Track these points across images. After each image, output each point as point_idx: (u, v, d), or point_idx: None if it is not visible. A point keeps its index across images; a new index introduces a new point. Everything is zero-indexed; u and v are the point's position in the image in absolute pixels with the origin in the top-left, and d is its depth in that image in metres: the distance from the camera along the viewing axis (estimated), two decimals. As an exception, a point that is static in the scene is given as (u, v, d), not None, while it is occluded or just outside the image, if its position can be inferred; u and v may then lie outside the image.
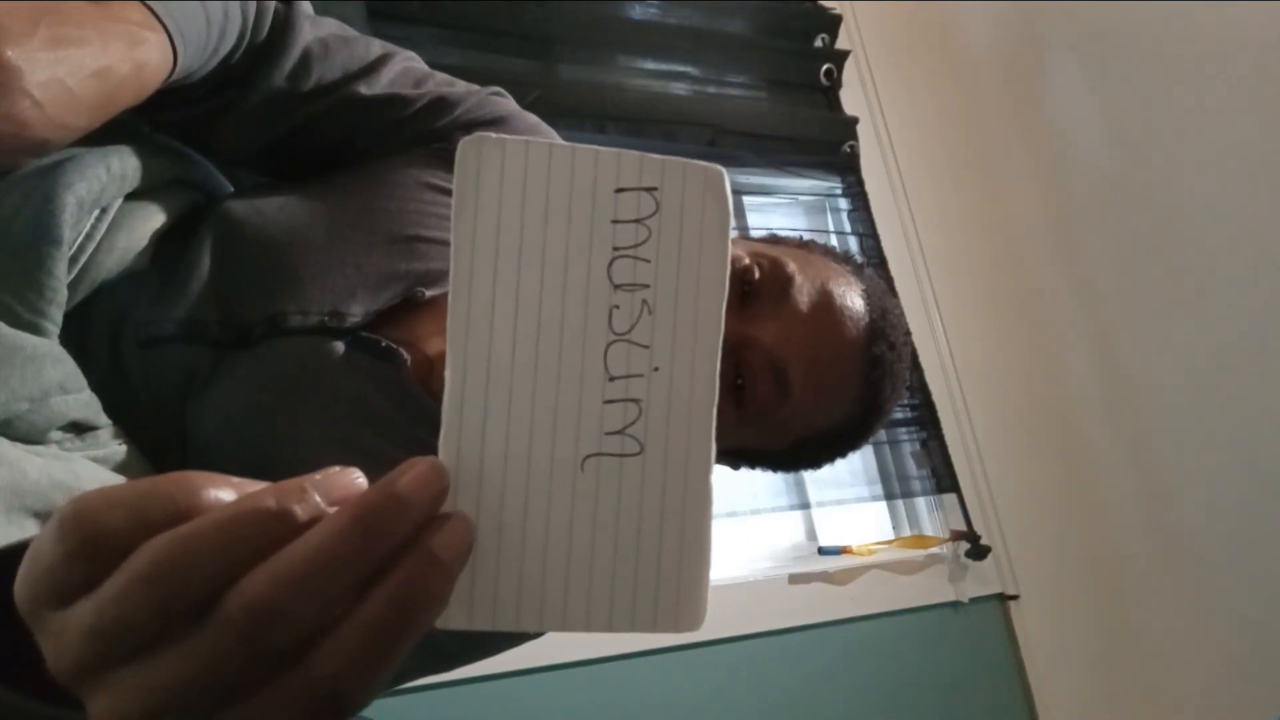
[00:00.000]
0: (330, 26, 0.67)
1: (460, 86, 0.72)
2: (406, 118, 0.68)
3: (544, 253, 0.31)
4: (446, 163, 0.67)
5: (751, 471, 0.75)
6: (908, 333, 0.71)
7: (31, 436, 0.49)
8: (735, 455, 0.72)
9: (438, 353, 0.61)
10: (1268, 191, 1.48)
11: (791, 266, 0.65)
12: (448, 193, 0.67)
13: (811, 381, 0.63)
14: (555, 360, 0.30)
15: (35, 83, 0.45)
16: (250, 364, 0.58)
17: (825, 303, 0.65)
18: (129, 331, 0.58)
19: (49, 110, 0.47)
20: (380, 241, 0.63)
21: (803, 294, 0.64)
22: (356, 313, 0.60)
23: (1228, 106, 1.53)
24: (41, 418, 0.49)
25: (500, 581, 0.30)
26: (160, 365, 0.57)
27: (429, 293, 0.62)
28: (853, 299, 0.66)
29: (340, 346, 0.60)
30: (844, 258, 0.72)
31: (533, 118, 0.75)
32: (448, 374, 0.30)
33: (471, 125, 0.70)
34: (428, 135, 0.69)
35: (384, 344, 0.60)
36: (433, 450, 0.29)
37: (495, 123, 0.72)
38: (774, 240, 0.74)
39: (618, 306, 0.31)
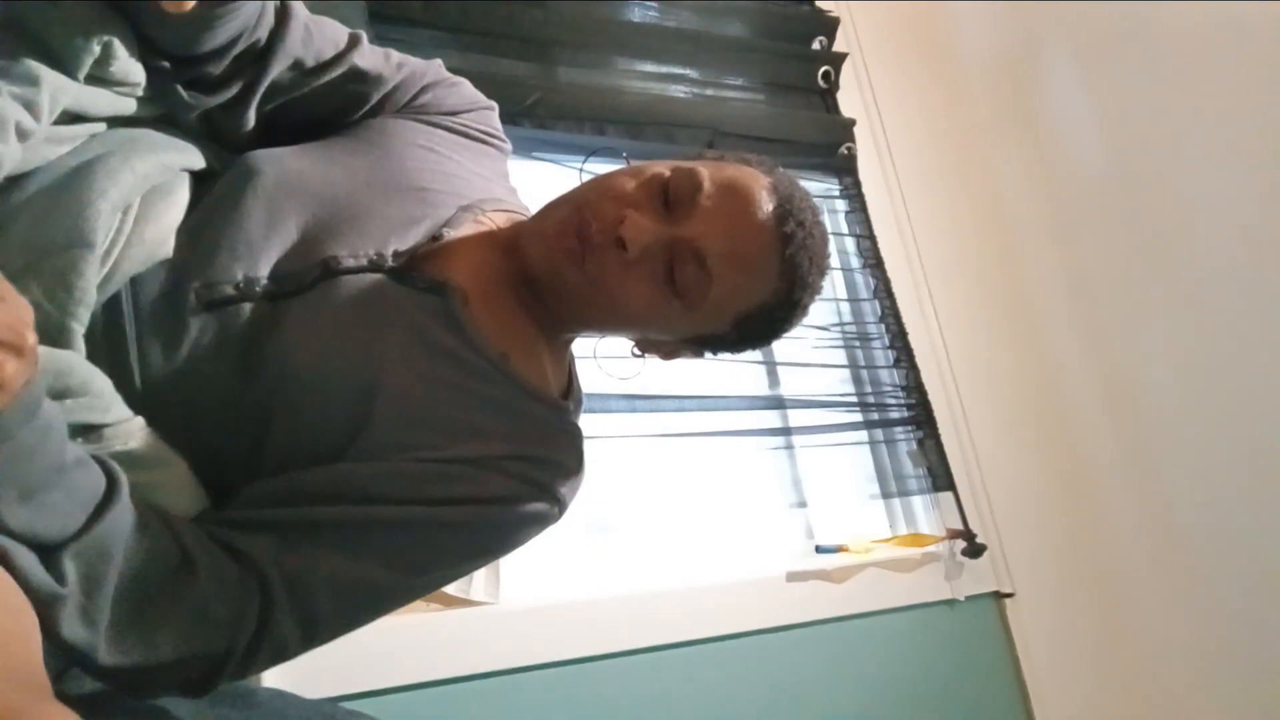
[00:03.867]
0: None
1: (416, 59, 0.83)
2: (394, 88, 0.80)
3: None
4: (424, 124, 0.82)
5: (714, 358, 0.85)
6: (818, 214, 0.79)
7: None
8: (694, 343, 0.81)
9: (470, 284, 0.72)
10: (1263, 192, 1.49)
11: (702, 172, 0.74)
12: (435, 151, 0.80)
13: (729, 261, 0.72)
14: None
15: None
16: (314, 303, 0.65)
17: (732, 193, 0.73)
18: (183, 299, 0.63)
19: None
20: (394, 193, 0.73)
21: (712, 190, 0.73)
22: (393, 255, 0.70)
23: (1223, 107, 1.55)
24: None
25: None
26: (225, 321, 0.63)
27: (449, 233, 0.73)
28: (758, 188, 0.74)
29: (392, 281, 0.69)
30: (756, 161, 0.80)
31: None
32: None
33: (438, 87, 0.83)
34: (404, 102, 0.82)
35: (431, 277, 0.70)
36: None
37: (456, 84, 0.85)
38: (696, 157, 0.82)
39: None
